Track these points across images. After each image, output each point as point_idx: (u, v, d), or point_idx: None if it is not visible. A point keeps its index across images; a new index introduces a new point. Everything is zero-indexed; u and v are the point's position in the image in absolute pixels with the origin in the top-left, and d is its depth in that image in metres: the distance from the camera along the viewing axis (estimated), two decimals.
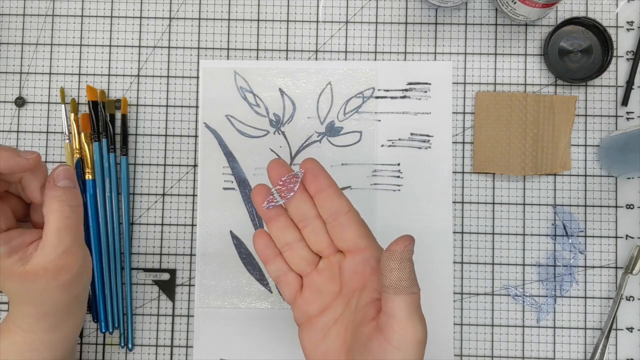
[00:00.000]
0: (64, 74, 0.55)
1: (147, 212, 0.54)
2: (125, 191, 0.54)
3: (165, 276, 0.54)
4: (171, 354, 0.53)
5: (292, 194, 0.40)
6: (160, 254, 0.54)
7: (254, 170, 0.54)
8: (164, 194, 0.54)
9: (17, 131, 0.55)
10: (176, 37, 0.55)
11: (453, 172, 0.54)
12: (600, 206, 0.53)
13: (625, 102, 0.54)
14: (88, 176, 0.53)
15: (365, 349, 0.36)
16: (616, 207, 0.53)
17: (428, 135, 0.54)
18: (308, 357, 0.40)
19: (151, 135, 0.55)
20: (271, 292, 0.53)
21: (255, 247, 0.42)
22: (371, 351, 0.36)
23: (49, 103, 0.55)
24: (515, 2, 0.51)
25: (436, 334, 0.52)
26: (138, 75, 0.55)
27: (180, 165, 0.54)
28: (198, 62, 0.55)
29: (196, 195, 0.54)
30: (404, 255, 0.35)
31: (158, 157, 0.55)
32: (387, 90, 0.54)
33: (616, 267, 0.53)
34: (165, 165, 0.55)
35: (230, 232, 0.54)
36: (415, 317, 0.35)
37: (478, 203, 0.54)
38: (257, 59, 0.55)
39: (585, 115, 0.54)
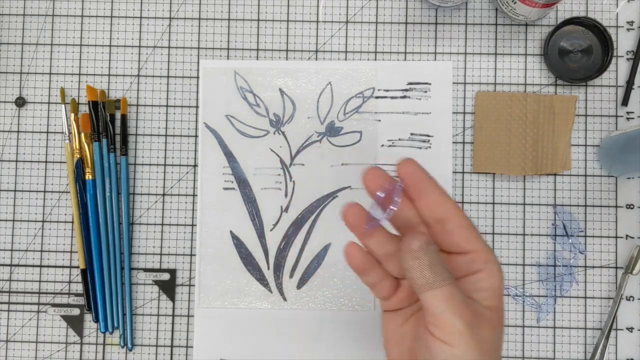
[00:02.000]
0: (64, 74, 0.55)
1: (147, 212, 0.54)
2: (125, 191, 0.54)
3: (165, 276, 0.54)
4: (171, 354, 0.53)
5: (396, 207, 0.35)
6: (160, 254, 0.54)
7: (254, 170, 0.54)
8: (164, 194, 0.54)
9: (17, 131, 0.55)
10: (176, 37, 0.55)
11: (453, 172, 0.54)
12: (600, 206, 0.53)
13: (625, 102, 0.54)
14: (88, 176, 0.53)
15: (422, 344, 0.36)
16: (616, 207, 0.53)
17: (428, 135, 0.54)
18: (385, 338, 0.40)
19: (151, 135, 0.55)
20: (271, 292, 0.53)
21: (350, 262, 0.38)
22: (427, 348, 0.35)
23: (49, 103, 0.55)
24: (515, 2, 0.51)
25: None
26: (138, 75, 0.55)
27: (180, 165, 0.54)
28: (198, 62, 0.55)
29: (196, 195, 0.54)
30: (416, 254, 0.34)
31: (158, 157, 0.55)
32: (387, 90, 0.54)
33: (616, 267, 0.53)
34: (165, 165, 0.55)
35: (230, 232, 0.54)
36: (450, 310, 0.34)
37: (478, 203, 0.54)
38: (257, 59, 0.55)
39: (585, 115, 0.54)
